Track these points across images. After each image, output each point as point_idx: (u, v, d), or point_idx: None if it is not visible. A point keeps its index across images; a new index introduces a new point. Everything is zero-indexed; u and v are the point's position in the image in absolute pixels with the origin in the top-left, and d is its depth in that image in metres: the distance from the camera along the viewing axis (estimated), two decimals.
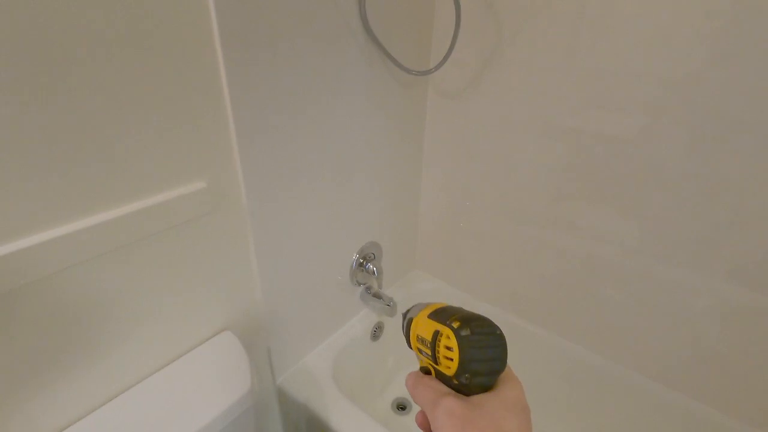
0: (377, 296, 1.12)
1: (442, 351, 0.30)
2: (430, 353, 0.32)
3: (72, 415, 0.61)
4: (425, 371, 0.34)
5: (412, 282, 1.32)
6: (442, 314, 0.32)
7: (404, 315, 0.40)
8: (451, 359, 0.29)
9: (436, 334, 0.31)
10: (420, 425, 0.34)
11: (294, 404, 0.95)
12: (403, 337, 0.38)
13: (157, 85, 0.56)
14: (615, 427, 1.06)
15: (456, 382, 0.30)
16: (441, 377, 0.31)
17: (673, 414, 0.97)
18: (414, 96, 1.08)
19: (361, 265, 1.09)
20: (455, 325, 0.30)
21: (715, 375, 0.91)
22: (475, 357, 0.29)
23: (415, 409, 1.23)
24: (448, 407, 0.28)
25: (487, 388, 0.30)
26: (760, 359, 0.84)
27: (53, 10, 0.46)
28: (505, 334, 0.30)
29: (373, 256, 1.12)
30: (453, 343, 0.29)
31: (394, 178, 1.11)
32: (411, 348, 0.37)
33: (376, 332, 1.20)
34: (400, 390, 1.28)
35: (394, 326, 1.24)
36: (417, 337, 0.34)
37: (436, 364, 0.31)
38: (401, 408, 1.25)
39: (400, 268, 1.30)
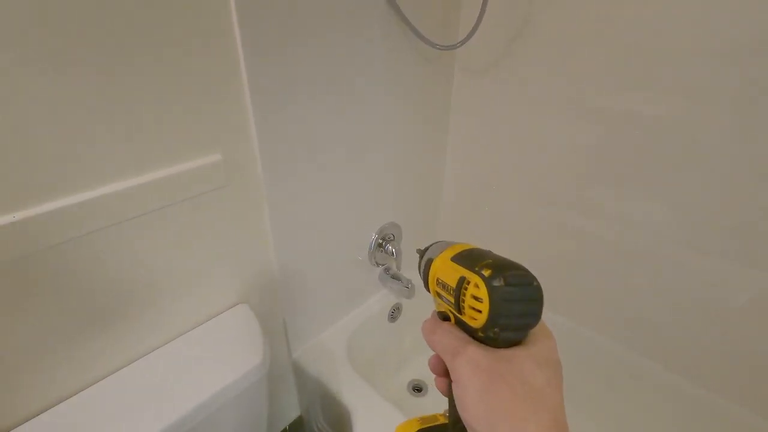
0: (396, 278, 1.11)
1: (468, 301, 0.26)
2: (452, 301, 0.28)
3: (89, 378, 0.64)
4: (443, 317, 0.31)
5: None
6: (469, 258, 0.29)
7: (421, 253, 0.36)
8: (480, 311, 0.26)
9: (462, 281, 0.27)
10: (432, 368, 0.32)
11: (308, 379, 0.97)
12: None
13: (174, 57, 0.56)
14: (635, 421, 1.02)
15: (482, 334, 0.27)
16: (463, 327, 0.29)
17: (699, 411, 0.92)
18: (440, 72, 1.04)
19: (380, 245, 1.08)
20: (486, 273, 0.26)
21: (750, 375, 0.85)
22: (508, 311, 0.25)
23: (432, 391, 1.23)
24: (473, 358, 0.26)
25: (516, 342, 0.27)
26: None
27: None
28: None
29: (392, 237, 1.11)
30: (483, 293, 0.25)
31: (416, 158, 1.09)
32: (428, 291, 0.33)
33: (394, 313, 1.20)
34: (416, 372, 1.28)
35: (412, 308, 1.23)
36: (437, 280, 0.31)
37: (460, 313, 0.28)
38: (417, 389, 1.25)
39: None
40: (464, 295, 0.27)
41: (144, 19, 0.52)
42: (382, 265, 1.12)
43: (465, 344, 0.27)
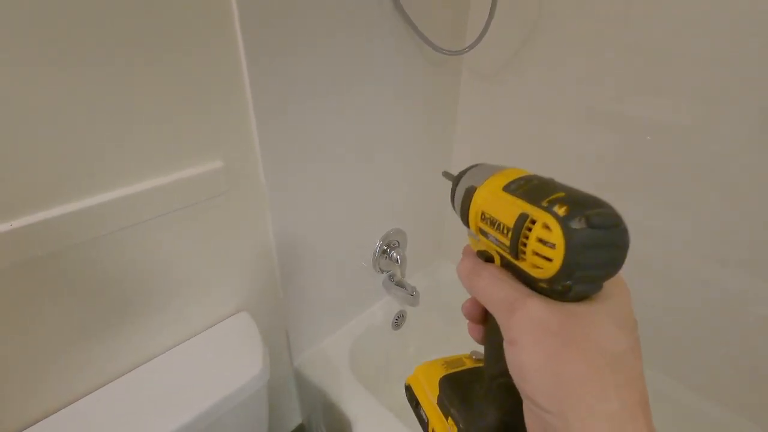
0: (400, 285, 1.10)
1: (533, 245, 0.20)
2: (506, 243, 0.22)
3: (86, 387, 0.63)
4: (485, 257, 0.25)
5: (436, 271, 1.28)
6: (531, 189, 0.22)
7: (455, 179, 0.30)
8: (550, 260, 0.20)
9: (524, 220, 0.21)
10: (467, 313, 0.27)
11: (310, 387, 0.95)
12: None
13: (174, 60, 0.55)
14: None
15: (545, 286, 0.21)
16: (516, 272, 0.23)
17: (715, 430, 0.89)
18: (447, 76, 1.02)
19: (384, 252, 1.07)
20: (560, 210, 0.20)
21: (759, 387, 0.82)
22: (587, 261, 0.19)
23: None
24: (537, 316, 0.21)
25: (587, 296, 0.21)
26: None
27: None
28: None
29: (397, 244, 1.09)
30: (557, 237, 0.19)
31: (422, 163, 1.07)
32: (466, 226, 0.27)
33: (398, 321, 1.18)
34: None
35: (416, 316, 1.21)
36: (483, 215, 0.25)
37: (516, 258, 0.22)
38: None
39: (425, 256, 1.26)
40: (526, 237, 0.21)
41: (144, 21, 0.51)
42: (387, 271, 1.11)
43: (525, 297, 0.21)
